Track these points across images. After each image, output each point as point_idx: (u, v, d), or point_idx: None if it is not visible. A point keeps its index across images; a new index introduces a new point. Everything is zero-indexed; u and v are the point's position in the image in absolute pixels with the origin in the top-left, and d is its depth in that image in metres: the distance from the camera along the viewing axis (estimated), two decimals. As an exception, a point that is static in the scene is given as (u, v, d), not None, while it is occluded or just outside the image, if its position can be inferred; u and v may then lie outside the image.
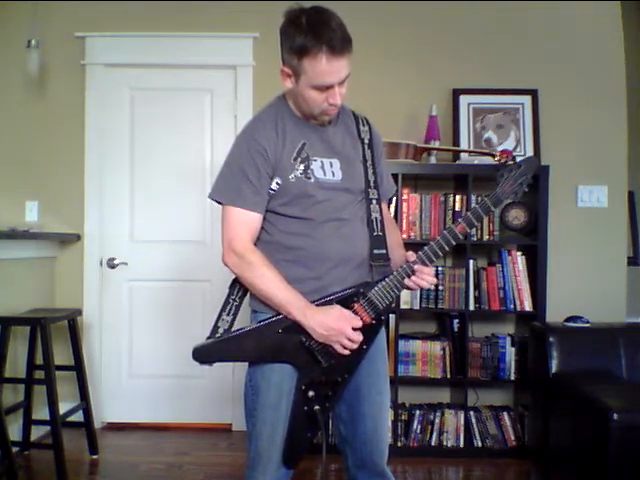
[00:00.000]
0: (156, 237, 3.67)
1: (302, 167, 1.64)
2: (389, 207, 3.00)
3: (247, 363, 1.71)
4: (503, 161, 3.08)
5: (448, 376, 3.27)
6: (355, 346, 1.62)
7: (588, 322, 3.10)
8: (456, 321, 3.28)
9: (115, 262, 3.65)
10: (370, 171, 1.75)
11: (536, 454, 3.07)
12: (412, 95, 3.53)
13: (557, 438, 2.81)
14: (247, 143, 1.65)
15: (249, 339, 1.64)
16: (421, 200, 3.29)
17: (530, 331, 3.15)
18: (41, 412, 3.17)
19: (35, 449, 3.14)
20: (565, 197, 3.47)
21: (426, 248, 1.64)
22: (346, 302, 1.63)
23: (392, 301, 1.67)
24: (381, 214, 1.75)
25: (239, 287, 1.71)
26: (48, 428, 2.93)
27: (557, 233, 3.38)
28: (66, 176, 3.62)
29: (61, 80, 3.62)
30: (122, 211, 3.68)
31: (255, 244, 1.68)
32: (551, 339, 2.93)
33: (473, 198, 3.21)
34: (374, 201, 1.74)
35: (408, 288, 1.67)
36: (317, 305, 1.62)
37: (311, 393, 1.63)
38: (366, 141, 1.77)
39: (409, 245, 1.81)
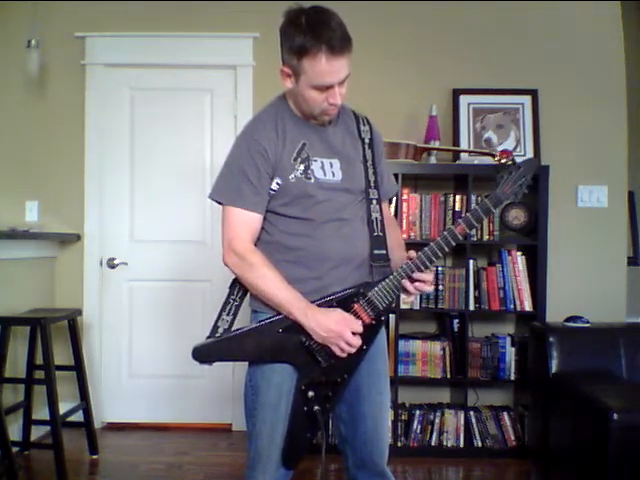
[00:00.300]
0: (156, 237, 3.67)
1: (302, 167, 1.64)
2: (389, 207, 3.00)
3: (247, 363, 1.71)
4: (503, 161, 3.07)
5: (448, 376, 3.27)
6: (353, 350, 1.62)
7: (588, 322, 3.11)
8: (456, 321, 3.28)
9: (115, 262, 3.65)
10: (370, 171, 1.74)
11: (536, 454, 3.07)
12: (412, 95, 3.53)
13: (557, 438, 2.81)
14: (247, 143, 1.65)
15: (249, 339, 1.64)
16: (421, 200, 3.29)
17: (530, 331, 3.15)
18: (41, 412, 3.17)
19: (35, 449, 3.14)
20: (565, 197, 3.47)
21: (426, 249, 1.64)
22: (346, 302, 1.63)
23: (392, 301, 1.66)
24: (381, 214, 1.74)
25: (239, 287, 1.70)
26: (48, 428, 2.93)
27: (557, 233, 3.38)
28: (66, 176, 3.62)
29: (61, 80, 3.62)
30: (122, 211, 3.68)
31: (255, 244, 1.68)
32: (551, 339, 2.93)
33: (473, 198, 3.21)
34: (374, 201, 1.73)
35: (408, 293, 1.66)
36: (317, 305, 1.62)
37: (311, 393, 1.63)
38: (366, 141, 1.77)
39: (409, 245, 1.80)
